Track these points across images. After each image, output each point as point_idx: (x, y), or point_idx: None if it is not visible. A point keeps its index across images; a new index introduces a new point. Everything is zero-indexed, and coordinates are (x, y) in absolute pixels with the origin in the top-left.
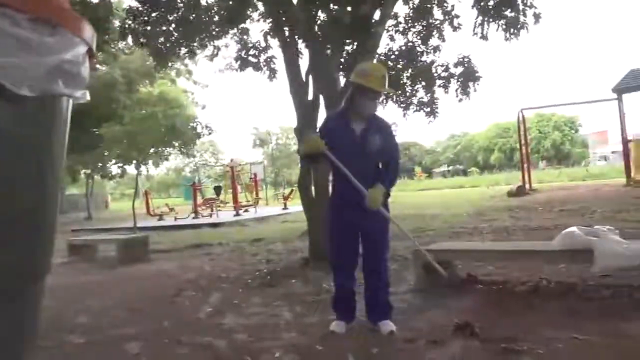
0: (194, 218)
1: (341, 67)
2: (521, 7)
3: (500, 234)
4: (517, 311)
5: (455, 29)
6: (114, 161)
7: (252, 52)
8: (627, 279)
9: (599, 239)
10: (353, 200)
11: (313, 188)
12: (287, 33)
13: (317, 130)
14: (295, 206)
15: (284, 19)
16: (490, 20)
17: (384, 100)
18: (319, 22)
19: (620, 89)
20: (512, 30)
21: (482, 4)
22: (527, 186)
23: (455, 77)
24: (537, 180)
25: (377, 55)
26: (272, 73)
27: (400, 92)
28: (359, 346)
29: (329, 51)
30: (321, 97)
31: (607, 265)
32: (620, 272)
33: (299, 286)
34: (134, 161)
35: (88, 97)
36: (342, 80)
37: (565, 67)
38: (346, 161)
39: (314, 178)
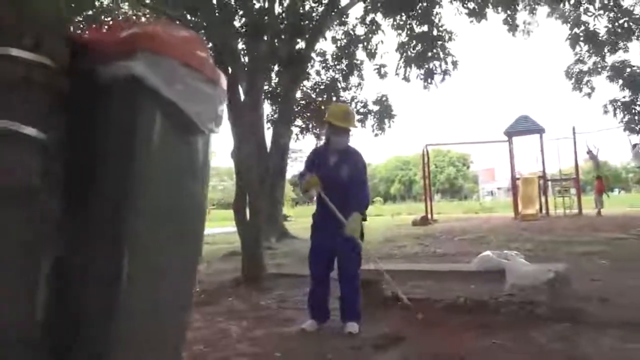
0: None
1: (268, 95)
2: (442, 55)
3: (411, 259)
4: (439, 323)
5: (379, 72)
6: None
7: None
8: (530, 295)
9: (509, 261)
10: (328, 225)
11: (247, 210)
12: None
13: (305, 160)
14: (211, 228)
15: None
16: (413, 64)
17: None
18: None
19: (511, 132)
20: (429, 79)
21: (405, 48)
22: (429, 216)
23: (373, 114)
24: (436, 211)
25: (302, 87)
26: None
27: (317, 124)
28: (315, 352)
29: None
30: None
31: (516, 283)
32: (524, 290)
33: (238, 303)
34: None
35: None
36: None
37: (460, 109)
38: (325, 187)
39: (249, 201)
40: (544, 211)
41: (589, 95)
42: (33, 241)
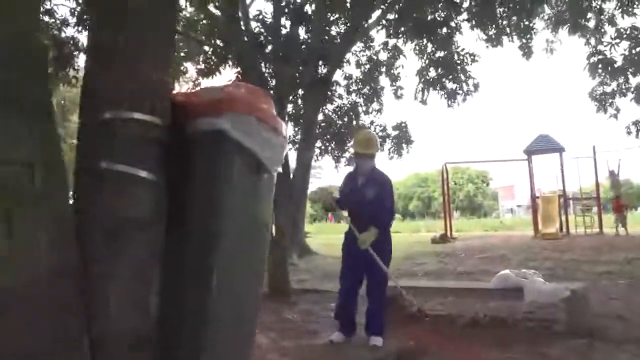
0: None
1: (292, 117)
2: (463, 77)
3: (432, 276)
4: (460, 339)
5: (395, 93)
6: None
7: None
8: (547, 313)
9: (527, 280)
10: (355, 238)
11: (274, 229)
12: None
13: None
14: None
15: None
16: (431, 88)
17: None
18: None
19: (530, 151)
20: (452, 99)
21: (424, 73)
22: (449, 234)
23: (391, 138)
24: (455, 229)
25: (324, 109)
26: None
27: (337, 145)
28: None
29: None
30: None
31: (534, 300)
32: (542, 308)
33: (265, 317)
34: None
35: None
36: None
37: (480, 128)
38: (352, 206)
39: (275, 220)
40: (564, 230)
41: (615, 116)
42: (150, 259)
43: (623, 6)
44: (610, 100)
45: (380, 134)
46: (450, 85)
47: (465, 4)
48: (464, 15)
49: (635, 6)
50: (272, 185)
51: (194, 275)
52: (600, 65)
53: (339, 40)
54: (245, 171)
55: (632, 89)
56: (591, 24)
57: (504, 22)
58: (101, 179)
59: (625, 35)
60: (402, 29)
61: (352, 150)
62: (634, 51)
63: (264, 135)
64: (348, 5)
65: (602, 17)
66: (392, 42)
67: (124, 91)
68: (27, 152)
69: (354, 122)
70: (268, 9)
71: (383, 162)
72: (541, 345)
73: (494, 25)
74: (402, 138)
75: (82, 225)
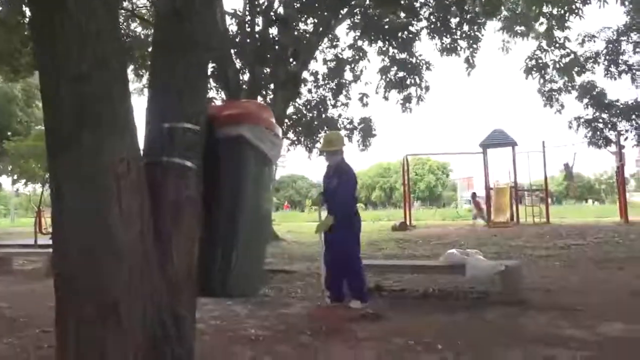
0: None
1: None
2: (418, 81)
3: (391, 259)
4: (413, 308)
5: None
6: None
7: None
8: (485, 287)
9: (469, 257)
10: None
11: None
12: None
13: None
14: None
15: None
16: (392, 88)
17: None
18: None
19: (485, 145)
20: (407, 105)
21: (385, 73)
22: (408, 222)
23: (358, 130)
24: (415, 218)
25: (293, 104)
26: None
27: (307, 136)
28: (311, 324)
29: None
30: None
31: (474, 274)
32: (481, 282)
33: None
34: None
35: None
36: None
37: (441, 121)
38: (326, 198)
39: None
40: (514, 219)
41: (560, 112)
42: (195, 225)
43: (559, 21)
44: (556, 97)
45: (347, 126)
46: (407, 90)
47: (425, 13)
48: (424, 23)
49: (567, 21)
50: (273, 172)
51: (224, 236)
52: (534, 69)
53: (307, 39)
54: (258, 164)
55: (577, 87)
56: (542, 28)
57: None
58: (166, 169)
59: (557, 45)
60: (366, 31)
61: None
62: (563, 59)
63: (270, 139)
64: (317, 6)
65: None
66: (356, 41)
67: (179, 108)
68: (126, 152)
69: (323, 115)
70: (240, 6)
71: (352, 153)
72: (480, 312)
73: (448, 35)
74: (366, 131)
75: (154, 200)
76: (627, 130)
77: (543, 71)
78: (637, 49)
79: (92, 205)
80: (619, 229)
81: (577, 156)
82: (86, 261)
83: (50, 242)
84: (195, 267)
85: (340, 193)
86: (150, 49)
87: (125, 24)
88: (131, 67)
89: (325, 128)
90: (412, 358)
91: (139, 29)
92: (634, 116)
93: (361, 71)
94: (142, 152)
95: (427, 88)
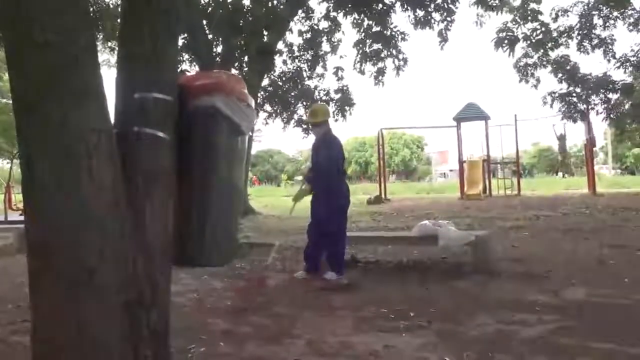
0: None
1: None
2: (394, 53)
3: (366, 231)
4: (388, 278)
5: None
6: None
7: None
8: (457, 257)
9: (441, 228)
10: (314, 200)
11: None
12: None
13: None
14: None
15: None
16: (367, 61)
17: (273, 117)
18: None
19: (459, 118)
20: (380, 77)
21: (360, 46)
22: (383, 196)
23: (334, 101)
24: (390, 191)
25: (268, 76)
26: None
27: (283, 108)
28: (288, 295)
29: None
30: None
31: (445, 244)
32: (452, 253)
33: (217, 267)
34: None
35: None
36: None
37: (416, 95)
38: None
39: None
40: (487, 192)
41: (535, 87)
42: (168, 194)
43: None
44: (531, 71)
45: (324, 98)
46: (382, 62)
47: None
48: None
49: None
50: (245, 143)
51: (197, 207)
52: (505, 42)
53: (281, 9)
54: (231, 135)
55: (551, 62)
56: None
57: (432, 5)
58: (138, 139)
59: (530, 17)
60: (341, 4)
61: (299, 114)
62: (534, 33)
63: (242, 109)
64: None
65: None
66: (329, 12)
67: (149, 78)
68: (97, 123)
69: (299, 87)
70: None
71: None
72: (451, 281)
73: (422, 7)
74: (344, 101)
75: (127, 170)
76: (596, 104)
77: (514, 45)
78: (607, 24)
79: (64, 175)
80: (586, 200)
81: (562, 128)
82: (60, 230)
83: (21, 218)
84: (170, 236)
85: (320, 162)
86: (119, 19)
87: None
88: (101, 36)
89: (302, 100)
90: (385, 325)
91: None
92: (602, 90)
93: (338, 42)
94: (113, 123)
95: (405, 60)
